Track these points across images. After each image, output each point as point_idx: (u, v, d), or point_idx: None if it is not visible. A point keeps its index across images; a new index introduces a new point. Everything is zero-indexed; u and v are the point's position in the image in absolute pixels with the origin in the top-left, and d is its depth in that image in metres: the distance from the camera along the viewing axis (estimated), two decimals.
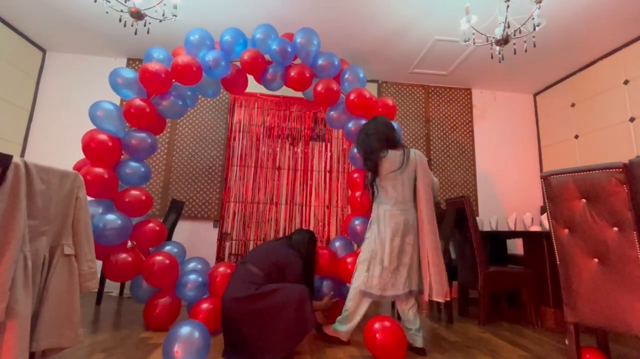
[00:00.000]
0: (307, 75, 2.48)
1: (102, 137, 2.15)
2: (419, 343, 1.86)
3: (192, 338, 1.48)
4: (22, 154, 3.46)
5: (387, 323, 1.75)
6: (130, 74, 2.31)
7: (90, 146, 2.11)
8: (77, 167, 2.21)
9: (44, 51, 3.67)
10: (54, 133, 3.56)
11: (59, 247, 1.38)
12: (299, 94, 3.89)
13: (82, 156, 3.50)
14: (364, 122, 2.41)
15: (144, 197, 2.26)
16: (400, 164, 1.93)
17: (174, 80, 2.34)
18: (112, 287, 3.19)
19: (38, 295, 1.29)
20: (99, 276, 2.84)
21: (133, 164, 2.30)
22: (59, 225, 1.39)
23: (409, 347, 1.83)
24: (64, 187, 1.40)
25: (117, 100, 3.72)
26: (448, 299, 1.86)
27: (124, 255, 2.11)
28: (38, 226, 1.28)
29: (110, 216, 2.09)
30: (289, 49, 2.45)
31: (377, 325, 1.76)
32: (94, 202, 2.17)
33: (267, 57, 2.51)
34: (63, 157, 3.49)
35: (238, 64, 2.51)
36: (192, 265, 2.35)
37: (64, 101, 3.65)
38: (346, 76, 2.54)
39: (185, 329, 1.50)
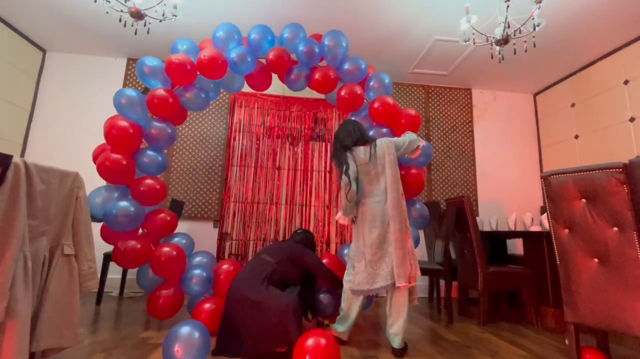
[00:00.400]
0: (332, 78, 2.45)
1: (124, 124, 2.17)
2: (397, 343, 1.84)
3: (192, 338, 1.48)
4: (22, 154, 3.46)
5: (322, 340, 1.56)
6: (156, 62, 2.32)
7: (111, 132, 2.13)
8: (97, 153, 2.24)
9: (44, 51, 3.67)
10: (54, 133, 3.56)
11: (59, 247, 1.38)
12: (299, 94, 3.90)
13: (82, 156, 3.53)
14: (385, 130, 2.42)
15: (158, 187, 2.27)
16: (369, 157, 1.96)
17: (198, 72, 2.34)
18: (112, 287, 3.19)
19: (38, 295, 1.29)
20: (99, 275, 2.85)
21: (151, 152, 2.31)
22: (59, 225, 1.39)
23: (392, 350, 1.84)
24: (64, 187, 1.40)
25: None
26: (413, 283, 1.85)
27: (133, 242, 2.13)
28: (38, 226, 1.28)
29: (124, 203, 2.10)
30: (316, 51, 2.42)
31: (309, 342, 1.56)
32: (110, 187, 2.21)
33: (293, 56, 2.48)
34: (63, 157, 3.50)
35: (264, 61, 2.49)
36: (198, 259, 2.37)
37: (64, 101, 3.64)
38: (371, 83, 2.50)
39: (185, 329, 1.50)
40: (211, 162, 3.72)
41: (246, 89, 2.81)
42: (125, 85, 3.77)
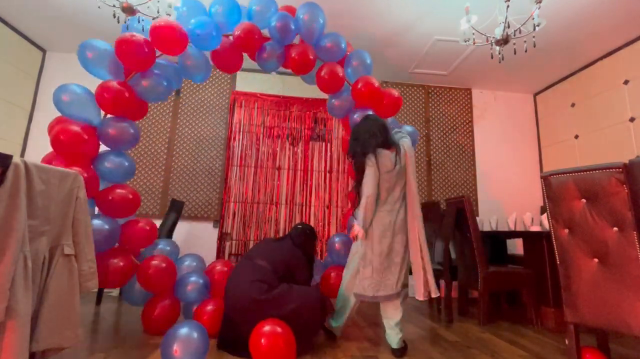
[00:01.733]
0: (310, 57, 2.20)
1: (74, 127, 1.83)
2: (395, 343, 1.84)
3: (190, 338, 1.48)
4: (22, 154, 3.46)
5: (278, 329, 1.60)
6: (104, 46, 1.98)
7: (59, 138, 1.80)
8: (46, 162, 1.91)
9: (44, 51, 3.67)
10: None
11: (59, 247, 1.38)
12: (299, 94, 3.90)
13: None
14: (370, 112, 2.23)
15: (130, 196, 2.02)
16: (394, 164, 1.88)
17: (157, 51, 2.03)
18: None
19: (38, 295, 1.29)
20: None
21: (114, 157, 2.02)
22: (59, 225, 1.39)
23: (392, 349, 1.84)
24: (64, 187, 1.40)
25: None
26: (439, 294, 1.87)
27: (115, 261, 1.93)
28: (38, 226, 1.28)
29: (96, 222, 1.87)
30: (292, 26, 2.17)
31: (265, 328, 1.59)
32: None
33: (264, 32, 2.26)
34: None
35: (231, 38, 2.22)
36: (187, 263, 2.27)
37: None
38: (352, 61, 2.31)
39: (184, 330, 1.50)
40: (211, 162, 3.72)
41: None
42: None
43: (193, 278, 2.11)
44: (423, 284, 1.82)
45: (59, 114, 2.01)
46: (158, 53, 2.09)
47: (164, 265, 2.00)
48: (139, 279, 2.01)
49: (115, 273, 1.92)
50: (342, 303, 2.00)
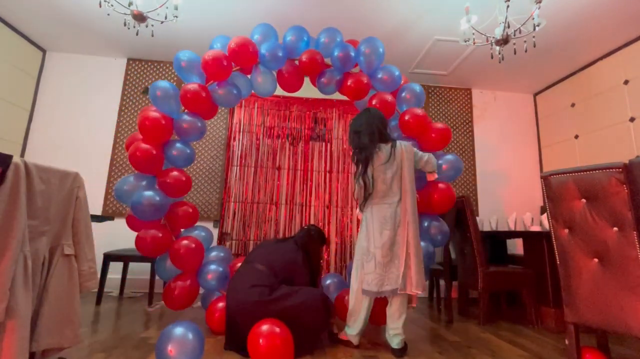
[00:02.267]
0: (365, 86, 2.42)
1: (156, 115, 2.21)
2: (396, 343, 1.83)
3: (186, 339, 1.47)
4: (22, 154, 3.46)
5: (276, 329, 1.62)
6: (193, 57, 2.36)
7: (144, 123, 2.18)
8: (129, 141, 2.29)
9: (44, 51, 3.67)
10: (54, 133, 3.56)
11: (59, 247, 1.38)
12: (299, 94, 3.89)
13: (81, 157, 3.53)
14: (415, 142, 2.40)
15: (184, 179, 2.32)
16: (388, 157, 1.94)
17: (233, 65, 2.35)
18: (112, 287, 3.19)
19: (38, 295, 1.29)
20: (99, 275, 2.84)
21: (180, 145, 2.35)
22: (59, 225, 1.39)
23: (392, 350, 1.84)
24: (64, 187, 1.40)
25: (117, 99, 3.72)
26: (423, 292, 1.86)
27: (155, 231, 2.20)
28: (38, 226, 1.28)
29: (149, 193, 2.15)
30: (352, 55, 2.40)
31: (263, 328, 1.62)
32: (139, 176, 2.27)
33: (327, 60, 2.47)
34: (63, 157, 3.50)
35: (297, 62, 2.48)
36: (214, 253, 2.43)
37: (64, 101, 3.64)
38: (404, 94, 2.49)
39: (178, 330, 1.49)
40: (211, 162, 3.72)
41: (278, 91, 2.71)
42: (125, 85, 3.77)
43: (213, 266, 2.25)
44: (408, 277, 1.82)
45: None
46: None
47: (193, 246, 2.19)
48: (170, 254, 2.20)
49: (154, 243, 2.18)
50: (355, 307, 1.95)
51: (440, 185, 2.29)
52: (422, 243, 2.26)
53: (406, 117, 2.39)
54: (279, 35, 2.51)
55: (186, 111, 2.35)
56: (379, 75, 2.47)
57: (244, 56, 2.30)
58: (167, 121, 2.25)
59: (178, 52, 2.36)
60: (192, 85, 2.27)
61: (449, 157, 2.40)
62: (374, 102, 2.42)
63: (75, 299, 1.39)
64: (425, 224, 2.34)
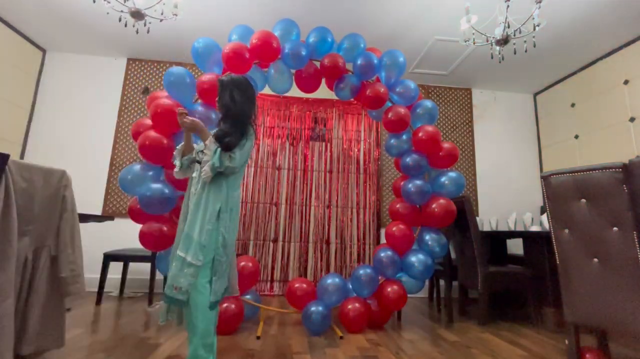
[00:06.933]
0: (383, 97, 2.43)
1: (169, 102, 2.13)
2: None
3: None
4: (22, 154, 3.46)
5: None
6: (215, 45, 2.31)
7: (157, 109, 2.12)
8: (135, 129, 2.20)
9: (44, 51, 3.67)
10: (54, 133, 3.56)
11: (45, 248, 1.33)
12: (299, 94, 3.89)
13: (81, 156, 3.53)
14: (424, 158, 2.47)
15: None
16: None
17: (252, 62, 2.33)
18: (112, 287, 3.19)
19: (24, 297, 1.25)
20: (98, 275, 2.84)
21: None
22: (43, 225, 1.33)
23: None
24: (49, 185, 1.33)
25: (117, 99, 3.72)
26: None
27: (160, 225, 2.11)
28: (19, 226, 1.21)
29: (158, 185, 2.07)
30: (375, 65, 2.41)
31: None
32: (145, 166, 2.16)
33: (348, 66, 2.48)
34: (63, 157, 3.50)
35: (317, 64, 2.48)
36: None
37: (64, 101, 3.64)
38: (418, 110, 2.53)
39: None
40: None
41: (294, 91, 2.72)
42: (125, 85, 3.77)
43: None
44: None
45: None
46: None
47: None
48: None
49: (159, 236, 2.10)
50: None
51: (441, 201, 2.38)
52: (421, 256, 2.35)
53: (420, 134, 2.46)
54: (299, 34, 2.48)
55: (200, 101, 2.27)
56: (397, 89, 2.51)
57: (266, 52, 2.25)
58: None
59: (198, 39, 2.30)
60: (210, 75, 2.20)
61: (452, 174, 2.50)
62: (389, 115, 2.46)
63: (62, 303, 1.36)
64: (426, 237, 2.43)
